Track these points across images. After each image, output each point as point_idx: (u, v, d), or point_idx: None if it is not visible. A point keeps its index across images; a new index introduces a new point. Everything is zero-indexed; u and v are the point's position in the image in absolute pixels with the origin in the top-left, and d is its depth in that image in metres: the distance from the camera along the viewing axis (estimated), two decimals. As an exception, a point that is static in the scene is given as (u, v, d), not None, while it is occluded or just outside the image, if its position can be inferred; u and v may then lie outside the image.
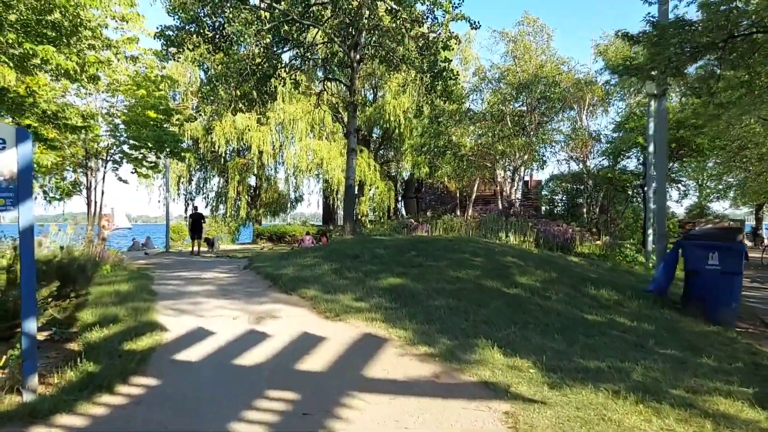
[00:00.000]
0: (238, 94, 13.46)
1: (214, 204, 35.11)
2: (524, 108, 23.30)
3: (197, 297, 7.96)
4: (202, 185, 35.35)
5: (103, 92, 15.54)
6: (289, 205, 36.61)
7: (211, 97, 12.70)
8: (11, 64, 8.76)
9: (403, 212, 39.22)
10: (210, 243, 22.78)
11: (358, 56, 13.72)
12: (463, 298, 7.40)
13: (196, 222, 21.59)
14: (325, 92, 21.24)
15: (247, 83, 13.63)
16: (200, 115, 30.65)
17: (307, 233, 24.83)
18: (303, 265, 10.11)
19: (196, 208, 25.56)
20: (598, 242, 20.52)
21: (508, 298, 7.57)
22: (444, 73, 13.89)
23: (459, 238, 12.69)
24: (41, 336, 5.36)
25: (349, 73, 14.36)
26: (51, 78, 10.34)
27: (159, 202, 32.17)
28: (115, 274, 10.89)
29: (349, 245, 11.66)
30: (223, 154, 31.38)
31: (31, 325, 4.10)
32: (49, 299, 5.01)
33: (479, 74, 24.90)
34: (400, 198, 39.15)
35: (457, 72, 14.07)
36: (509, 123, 21.64)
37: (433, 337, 5.75)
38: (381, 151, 37.23)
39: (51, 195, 16.54)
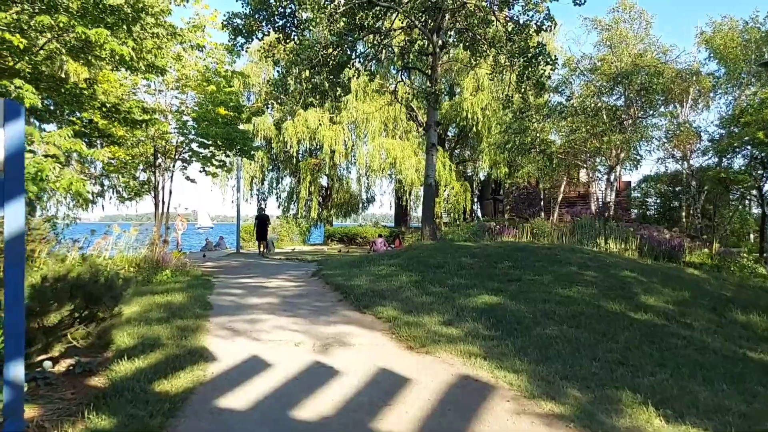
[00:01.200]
0: (309, 86, 12.43)
1: (285, 204, 34.81)
2: (621, 101, 21.01)
3: (256, 312, 6.83)
4: (274, 185, 35.13)
5: (172, 89, 15.02)
6: (360, 205, 35.74)
7: (281, 89, 11.73)
8: (64, 53, 8.03)
9: (479, 214, 37.37)
10: (266, 244, 22.43)
11: (440, 42, 12.30)
12: (582, 325, 5.82)
13: (261, 223, 21.75)
14: (401, 86, 19.91)
15: (319, 75, 12.57)
16: (269, 109, 30.35)
17: (380, 235, 23.67)
18: (378, 275, 8.83)
19: (262, 209, 25.29)
20: (704, 250, 18.01)
21: (641, 327, 5.90)
22: (539, 57, 12.18)
23: (558, 246, 11.02)
24: (63, 366, 4.35)
25: (429, 61, 12.99)
26: (112, 69, 9.65)
27: (232, 202, 32.10)
28: (175, 280, 10.07)
29: (430, 252, 10.27)
30: (295, 154, 30.89)
31: (16, 371, 2.99)
32: (62, 326, 3.97)
33: (570, 65, 22.74)
34: (475, 199, 37.29)
35: (555, 56, 12.33)
36: (605, 117, 19.47)
37: (556, 386, 4.24)
38: (457, 151, 35.59)
39: (121, 194, 16.26)
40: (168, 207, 14.83)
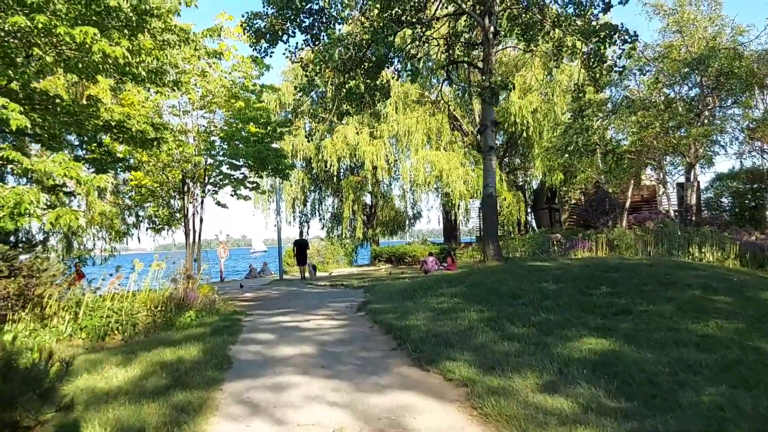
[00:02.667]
0: (343, 92, 10.91)
1: (329, 225, 33.59)
2: (695, 91, 18.66)
3: (286, 371, 5.21)
4: (316, 206, 33.98)
5: (198, 108, 13.84)
6: (406, 222, 34.12)
7: (309, 92, 10.27)
8: (49, 62, 6.76)
9: (534, 225, 35.10)
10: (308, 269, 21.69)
11: (492, 28, 10.55)
12: (750, 382, 3.94)
13: (300, 249, 21.43)
14: (443, 94, 18.20)
15: (354, 79, 11.07)
16: (307, 126, 29.19)
17: (430, 254, 21.85)
18: (438, 310, 7.10)
19: (301, 234, 25.02)
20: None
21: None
22: (615, 36, 10.23)
23: (658, 262, 8.99)
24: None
25: (479, 53, 11.29)
26: (115, 80, 8.39)
27: (275, 225, 30.98)
28: (200, 322, 8.64)
29: (498, 277, 8.47)
30: (336, 173, 29.61)
31: None
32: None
33: (632, 55, 20.48)
34: (529, 210, 35.01)
35: (635, 32, 10.34)
36: (680, 109, 17.19)
37: None
38: (506, 159, 33.54)
39: (149, 225, 15.16)
40: (199, 236, 13.56)
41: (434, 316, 6.83)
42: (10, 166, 6.94)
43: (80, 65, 6.80)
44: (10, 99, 6.65)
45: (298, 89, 9.83)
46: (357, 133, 28.76)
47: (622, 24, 10.42)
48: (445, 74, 14.37)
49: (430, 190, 30.93)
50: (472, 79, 13.08)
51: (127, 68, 7.08)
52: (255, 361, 5.74)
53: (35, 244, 9.89)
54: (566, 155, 19.74)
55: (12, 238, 9.06)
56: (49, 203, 8.63)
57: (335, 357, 5.71)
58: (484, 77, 9.86)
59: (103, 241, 18.73)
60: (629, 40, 10.53)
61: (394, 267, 26.96)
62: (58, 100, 7.41)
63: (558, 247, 14.47)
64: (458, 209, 30.18)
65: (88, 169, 9.79)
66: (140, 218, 17.15)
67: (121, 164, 9.66)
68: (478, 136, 30.64)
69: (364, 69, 10.73)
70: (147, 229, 15.53)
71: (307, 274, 20.91)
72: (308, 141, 22.20)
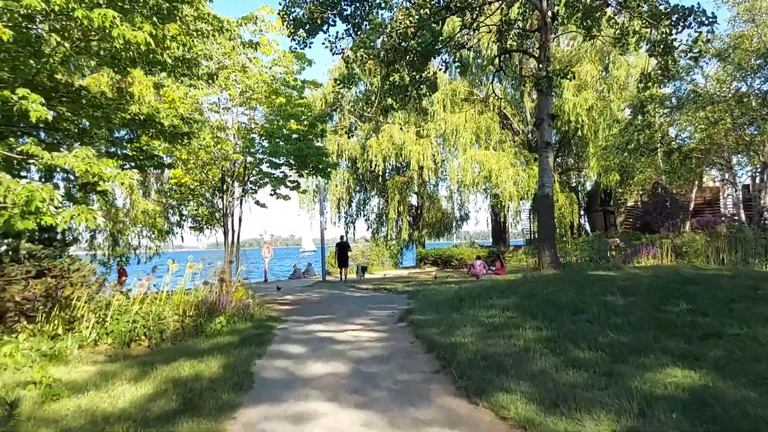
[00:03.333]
0: (386, 85, 10.18)
1: (374, 226, 32.94)
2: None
3: (311, 397, 4.54)
4: (362, 207, 33.40)
5: (239, 105, 13.44)
6: (453, 224, 33.11)
7: (349, 83, 9.60)
8: (68, 49, 6.34)
9: (587, 228, 33.49)
10: (363, 269, 22.29)
11: (550, 12, 9.60)
12: None
13: (342, 251, 21.58)
14: (502, 80, 17.27)
15: (398, 71, 10.33)
16: (354, 129, 28.70)
17: (478, 257, 20.93)
18: (488, 325, 6.29)
19: (342, 237, 24.56)
20: None
21: None
22: (689, 18, 9.07)
23: (740, 273, 7.85)
24: None
25: (535, 42, 10.35)
26: (143, 71, 7.96)
27: (321, 226, 30.54)
28: (231, 329, 8.12)
29: (556, 286, 7.57)
30: (382, 173, 28.92)
31: None
32: None
33: (710, 39, 18.90)
34: (581, 212, 33.39)
35: (713, 14, 9.17)
36: (753, 104, 15.67)
37: None
38: (558, 159, 32.08)
39: (193, 224, 14.90)
40: (238, 236, 13.16)
41: (484, 332, 6.02)
42: (32, 162, 6.51)
43: (101, 52, 6.36)
44: (34, 90, 6.28)
45: (338, 81, 9.17)
46: (403, 131, 28.06)
47: (698, 4, 9.24)
48: (495, 67, 13.45)
49: (479, 191, 29.89)
50: (524, 71, 12.13)
51: (151, 56, 6.59)
52: (279, 381, 5.10)
53: (69, 242, 9.59)
54: (625, 154, 18.36)
55: (45, 236, 8.75)
56: (72, 202, 8.33)
57: (370, 379, 5.00)
58: (540, 65, 8.94)
59: (148, 240, 18.73)
60: (706, 22, 9.33)
61: (440, 270, 26.11)
62: (83, 92, 7.01)
63: (617, 253, 13.29)
64: (507, 211, 29.15)
65: (127, 166, 9.46)
66: (184, 217, 16.99)
67: (155, 161, 9.22)
68: (529, 135, 29.60)
69: (409, 60, 9.97)
70: (189, 228, 15.28)
71: (353, 275, 21.28)
72: (349, 138, 21.71)
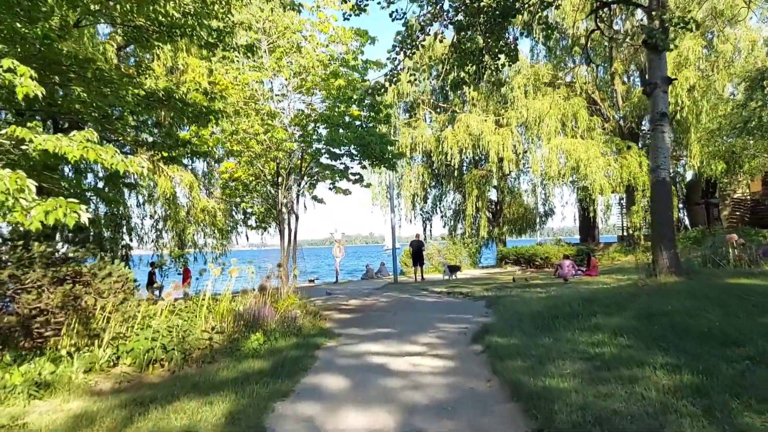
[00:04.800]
0: (455, 55, 8.39)
1: (451, 223, 31.16)
2: None
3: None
4: (437, 203, 31.71)
5: (296, 90, 12.17)
6: (537, 220, 30.70)
7: (408, 47, 7.93)
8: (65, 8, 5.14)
9: (686, 223, 29.97)
10: (452, 269, 20.43)
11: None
12: None
13: (417, 250, 20.81)
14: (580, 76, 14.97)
15: (471, 39, 8.54)
16: (428, 122, 27.04)
17: (566, 256, 18.66)
18: (595, 358, 4.47)
19: (418, 235, 23.43)
20: None
21: None
22: None
23: None
24: None
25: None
26: (163, 39, 6.71)
27: (396, 224, 29.16)
28: (269, 347, 6.77)
29: (685, 301, 5.57)
30: (458, 166, 27.03)
31: None
32: None
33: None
34: (680, 205, 29.83)
35: None
36: None
37: None
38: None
39: (251, 223, 13.85)
40: (295, 234, 11.89)
41: (590, 369, 4.22)
42: (24, 148, 5.40)
43: (116, 16, 5.12)
44: (28, 64, 5.16)
45: (395, 46, 7.58)
46: (481, 119, 26.06)
47: None
48: (581, 46, 11.33)
49: (565, 184, 27.30)
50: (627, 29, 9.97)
51: (181, 25, 5.27)
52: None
53: (86, 240, 8.60)
54: (738, 138, 15.49)
55: (70, 235, 7.77)
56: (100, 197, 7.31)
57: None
58: (654, 13, 6.89)
59: (213, 239, 18.04)
60: None
61: (523, 270, 23.90)
62: (87, 65, 5.85)
63: (741, 253, 10.72)
64: (597, 205, 26.49)
65: (160, 155, 8.34)
66: (247, 215, 16.09)
67: (190, 149, 8.03)
68: (621, 121, 26.60)
69: (484, 23, 8.16)
70: (248, 227, 14.28)
71: (419, 276, 20.29)
72: (438, 142, 19.71)
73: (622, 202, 28.90)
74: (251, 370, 5.56)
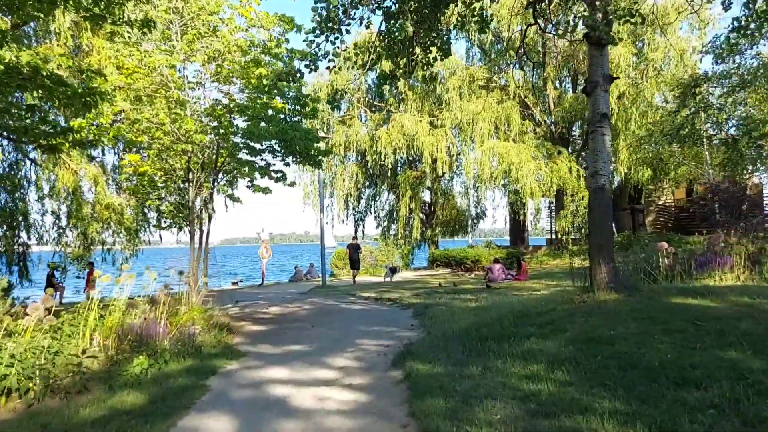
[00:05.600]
0: (383, 42, 7.64)
1: (385, 224, 30.55)
2: None
3: None
4: (371, 203, 31.06)
5: (213, 78, 11.04)
6: (469, 222, 30.60)
7: (327, 31, 7.07)
8: None
9: (613, 229, 30.69)
10: (393, 271, 21.09)
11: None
12: None
13: (353, 252, 20.78)
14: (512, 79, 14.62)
15: (401, 29, 7.84)
16: (364, 120, 26.21)
17: (496, 260, 18.34)
18: (531, 399, 3.78)
19: (355, 238, 23.51)
20: None
21: None
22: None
23: None
24: None
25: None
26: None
27: (327, 223, 28.15)
28: (153, 374, 5.72)
29: (629, 325, 5.01)
30: (392, 166, 26.51)
31: None
32: None
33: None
34: (608, 211, 30.56)
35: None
36: None
37: None
38: (583, 153, 29.43)
39: (155, 223, 12.56)
40: (207, 236, 10.79)
41: (524, 416, 3.51)
42: None
43: None
44: None
45: (315, 28, 6.67)
46: (415, 120, 25.61)
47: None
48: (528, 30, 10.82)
49: (497, 187, 27.44)
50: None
51: None
52: None
53: None
54: (675, 142, 15.67)
55: None
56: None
57: None
58: (597, 3, 6.39)
59: (121, 238, 16.46)
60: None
61: (453, 273, 23.59)
62: None
63: (673, 263, 10.58)
64: (527, 208, 26.71)
65: (36, 150, 7.06)
66: (161, 213, 14.73)
67: (68, 137, 6.77)
68: (552, 126, 26.79)
69: (414, 11, 7.40)
70: (155, 227, 12.97)
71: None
72: (372, 141, 18.85)
73: (551, 206, 29.34)
74: (122, 406, 4.55)
